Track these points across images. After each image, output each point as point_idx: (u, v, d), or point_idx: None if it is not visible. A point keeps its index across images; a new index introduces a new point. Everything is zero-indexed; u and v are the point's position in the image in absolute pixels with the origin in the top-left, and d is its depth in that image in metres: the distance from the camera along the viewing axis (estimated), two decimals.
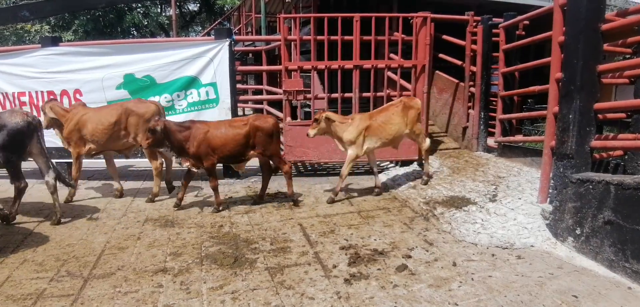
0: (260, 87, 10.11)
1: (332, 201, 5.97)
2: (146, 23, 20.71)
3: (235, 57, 7.18)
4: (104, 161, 6.70)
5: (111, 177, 6.75)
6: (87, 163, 7.68)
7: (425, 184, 6.38)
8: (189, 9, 26.81)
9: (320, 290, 3.73)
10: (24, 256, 4.58)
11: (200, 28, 28.70)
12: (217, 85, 6.81)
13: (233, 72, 6.85)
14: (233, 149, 5.68)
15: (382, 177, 7.07)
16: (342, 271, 4.06)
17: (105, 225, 5.43)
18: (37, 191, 6.63)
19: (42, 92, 7.23)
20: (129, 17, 18.97)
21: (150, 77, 6.85)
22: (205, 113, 6.87)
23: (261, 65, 10.06)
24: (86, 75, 6.98)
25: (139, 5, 21.23)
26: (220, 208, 5.81)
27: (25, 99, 7.30)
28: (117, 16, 19.18)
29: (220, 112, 6.85)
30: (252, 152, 5.78)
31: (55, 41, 7.24)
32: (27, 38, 19.70)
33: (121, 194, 6.50)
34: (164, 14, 23.79)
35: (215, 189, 5.76)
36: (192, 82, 6.83)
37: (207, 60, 6.74)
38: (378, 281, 3.86)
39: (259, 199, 6.08)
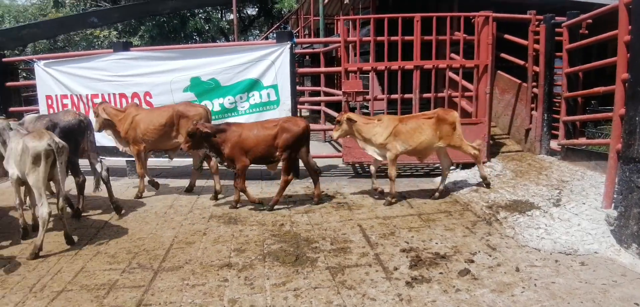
0: (317, 88, 10.21)
1: (389, 204, 5.94)
2: (208, 28, 21.43)
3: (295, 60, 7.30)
4: (170, 160, 7.02)
5: (178, 176, 7.07)
6: (155, 162, 8.10)
7: (488, 186, 6.22)
8: (247, 13, 27.48)
9: (382, 292, 3.74)
10: (97, 249, 4.89)
11: (258, 32, 29.37)
12: (278, 87, 6.95)
13: (293, 74, 6.98)
14: (264, 151, 5.80)
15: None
16: (404, 273, 4.05)
17: (173, 220, 5.68)
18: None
19: (114, 94, 7.66)
20: (191, 23, 19.70)
21: (215, 80, 7.10)
22: (266, 114, 7.03)
23: (319, 67, 10.15)
24: (155, 78, 7.33)
25: (201, 10, 22.01)
26: (238, 206, 6.02)
27: (98, 100, 7.74)
28: (181, 22, 19.97)
29: (281, 113, 6.99)
30: (279, 153, 5.86)
31: (126, 46, 7.66)
32: (97, 43, 20.85)
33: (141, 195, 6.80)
34: (224, 19, 24.50)
35: (243, 191, 5.92)
36: (254, 85, 7.02)
37: (268, 63, 6.90)
38: (440, 284, 3.82)
39: (318, 199, 6.14)
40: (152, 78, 7.36)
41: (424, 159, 6.30)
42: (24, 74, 13.63)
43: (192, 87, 7.21)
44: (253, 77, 7.00)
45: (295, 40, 7.11)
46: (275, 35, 7.24)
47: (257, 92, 7.04)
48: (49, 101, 8.05)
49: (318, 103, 9.82)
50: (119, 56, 7.50)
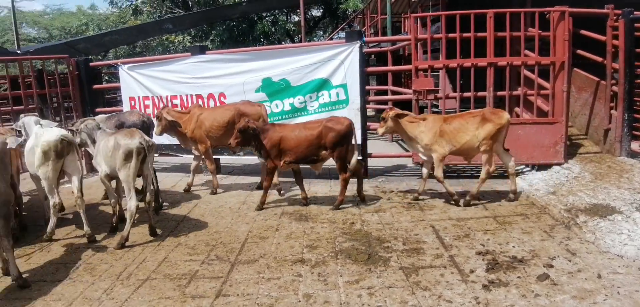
0: (384, 87, 10.16)
1: (467, 205, 5.85)
2: (274, 30, 21.92)
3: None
4: (244, 156, 7.28)
5: (249, 173, 7.30)
6: (228, 159, 8.41)
7: (511, 201, 5.93)
8: (312, 14, 27.81)
9: (458, 294, 3.69)
10: (178, 240, 5.16)
11: (322, 33, 29.62)
12: (347, 87, 7.00)
13: (363, 74, 7.00)
14: (307, 151, 5.87)
15: (518, 182, 6.72)
16: (480, 276, 3.97)
17: (247, 216, 5.89)
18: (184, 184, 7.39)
19: (191, 95, 8.03)
20: (259, 26, 20.26)
21: (285, 80, 7.27)
22: (335, 114, 7.08)
23: (386, 65, 10.10)
24: (229, 79, 7.62)
25: (268, 14, 22.56)
26: (263, 206, 6.11)
27: (177, 102, 8.17)
28: (249, 25, 20.58)
29: (350, 112, 7.03)
30: (324, 152, 5.90)
31: (203, 50, 8.02)
32: (172, 47, 21.92)
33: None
34: (289, 21, 24.94)
35: (266, 189, 6.09)
36: (323, 84, 7.11)
37: (338, 63, 6.97)
38: (518, 289, 3.71)
39: (360, 199, 6.18)
40: (227, 79, 7.65)
41: (470, 160, 6.16)
42: (106, 78, 14.63)
43: (263, 88, 7.43)
44: (322, 77, 7.09)
45: (365, 39, 7.12)
46: (343, 35, 7.31)
47: (326, 91, 7.13)
48: (132, 102, 8.58)
49: (385, 102, 9.75)
50: (196, 59, 7.86)
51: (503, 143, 5.89)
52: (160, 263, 4.55)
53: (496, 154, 5.93)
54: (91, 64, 9.36)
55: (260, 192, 6.51)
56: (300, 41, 27.23)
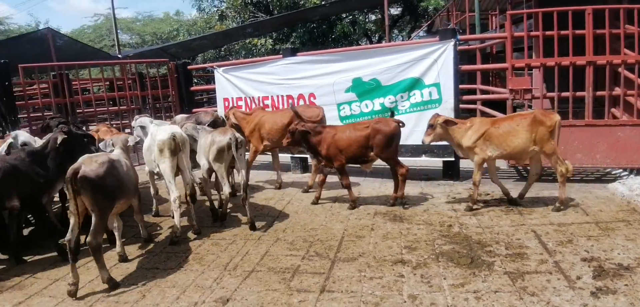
0: (473, 86, 9.83)
1: (557, 210, 5.56)
2: (353, 30, 21.97)
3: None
4: None
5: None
6: None
7: (557, 211, 5.52)
8: (390, 13, 27.55)
9: (567, 301, 3.53)
10: (276, 235, 5.31)
11: (397, 32, 29.24)
12: (440, 86, 6.86)
13: (457, 72, 6.83)
14: (357, 151, 5.95)
15: (618, 186, 6.29)
16: (587, 283, 3.77)
17: (340, 214, 5.94)
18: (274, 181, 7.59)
19: (282, 96, 8.25)
20: (339, 27, 20.40)
21: (376, 80, 7.26)
22: (428, 113, 6.96)
23: (473, 64, 9.74)
24: (319, 80, 7.74)
25: (347, 14, 22.62)
26: (355, 205, 6.16)
27: (268, 102, 8.42)
28: (329, 26, 20.79)
29: (443, 112, 6.87)
30: (372, 153, 5.94)
31: (294, 52, 8.22)
32: (254, 50, 22.59)
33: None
34: (368, 20, 24.83)
35: (348, 187, 6.17)
36: (415, 84, 7.02)
37: (431, 62, 6.85)
38: (626, 297, 3.52)
39: (401, 200, 6.07)
40: (317, 80, 7.78)
41: (521, 163, 5.94)
42: (195, 80, 15.40)
43: (353, 88, 7.47)
44: (414, 76, 7.00)
45: (459, 37, 6.93)
46: (423, 33, 7.17)
47: (418, 91, 7.02)
48: (226, 103, 8.96)
49: (474, 102, 9.42)
50: (288, 61, 8.07)
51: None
52: (262, 256, 4.71)
53: (530, 156, 5.72)
54: (189, 67, 9.89)
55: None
56: (379, 41, 27.20)
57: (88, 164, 4.15)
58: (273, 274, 4.28)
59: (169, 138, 5.30)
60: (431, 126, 5.80)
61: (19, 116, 7.97)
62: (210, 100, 16.50)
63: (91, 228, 4.11)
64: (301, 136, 6.07)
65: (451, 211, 5.82)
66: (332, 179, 7.79)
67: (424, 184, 7.09)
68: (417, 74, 6.99)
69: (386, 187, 7.10)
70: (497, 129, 5.61)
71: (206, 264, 4.61)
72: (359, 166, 6.36)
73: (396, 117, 6.27)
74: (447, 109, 6.88)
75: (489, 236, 4.90)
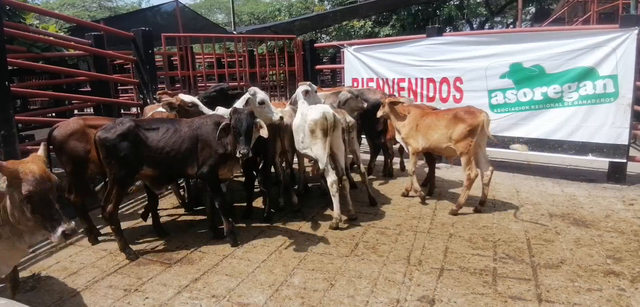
0: None
1: (454, 214, 5.34)
2: (463, 14, 20.90)
3: None
4: None
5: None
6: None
7: (454, 214, 5.33)
8: None
9: None
10: (447, 230, 4.92)
11: (499, 18, 27.60)
12: (617, 78, 6.08)
13: (638, 65, 6.02)
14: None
15: None
16: None
17: (508, 212, 5.42)
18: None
19: (421, 79, 7.79)
20: (445, 10, 19.48)
21: (539, 66, 6.59)
22: (600, 108, 6.25)
23: None
24: (468, 64, 7.17)
25: None
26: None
27: (405, 85, 7.99)
28: (434, 10, 19.94)
29: (618, 108, 6.13)
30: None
31: (440, 31, 7.69)
32: (353, 32, 22.20)
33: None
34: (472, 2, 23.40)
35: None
36: (587, 74, 6.27)
37: (608, 50, 6.07)
38: None
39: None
40: (465, 63, 7.21)
41: (448, 156, 5.74)
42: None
43: (510, 74, 6.82)
44: (587, 65, 6.24)
45: None
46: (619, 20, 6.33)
47: (590, 82, 6.27)
48: (355, 84, 8.63)
49: None
50: (432, 41, 7.56)
51: (483, 147, 5.34)
52: (445, 253, 4.33)
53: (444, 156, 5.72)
54: (316, 44, 9.67)
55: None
56: (481, 27, 25.80)
57: None
58: (470, 276, 3.89)
59: (321, 118, 5.01)
60: (381, 104, 5.88)
61: (159, 86, 8.07)
62: (334, 78, 16.45)
63: None
64: None
65: (636, 218, 5.12)
66: None
67: (588, 186, 6.37)
68: (591, 64, 6.23)
69: (544, 185, 6.49)
70: (424, 121, 5.57)
71: (384, 255, 4.32)
72: None
73: None
74: (623, 105, 6.11)
75: None
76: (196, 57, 10.64)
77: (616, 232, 4.76)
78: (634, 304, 3.37)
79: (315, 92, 5.42)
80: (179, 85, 9.60)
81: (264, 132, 4.48)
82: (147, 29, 7.82)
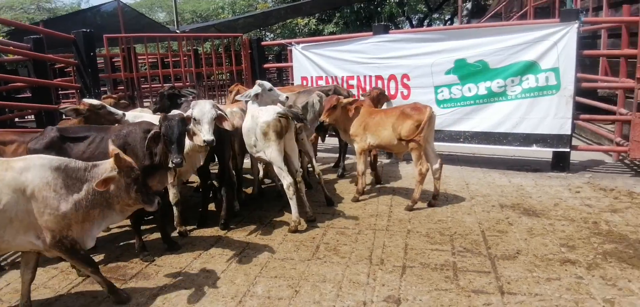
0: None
1: (410, 209, 5.41)
2: (403, 12, 21.21)
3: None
4: None
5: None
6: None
7: (410, 210, 5.38)
8: None
9: None
10: (404, 226, 4.95)
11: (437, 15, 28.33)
12: (559, 71, 6.35)
13: (578, 57, 6.32)
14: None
15: None
16: None
17: (462, 205, 5.53)
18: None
19: (369, 76, 7.83)
20: (387, 8, 19.74)
21: (483, 62, 6.77)
22: (543, 100, 6.51)
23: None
24: (415, 61, 7.28)
25: None
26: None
27: (354, 82, 8.01)
28: (375, 7, 20.15)
29: (560, 99, 6.41)
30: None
31: (386, 29, 7.75)
32: (297, 30, 22.08)
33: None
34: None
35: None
36: (530, 67, 6.51)
37: (550, 44, 6.32)
38: None
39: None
40: (412, 60, 7.31)
41: (399, 154, 5.92)
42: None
43: (455, 70, 6.98)
44: (529, 59, 6.47)
45: (583, 19, 6.41)
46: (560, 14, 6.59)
47: (532, 75, 6.51)
48: (304, 82, 8.55)
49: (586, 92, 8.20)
50: (379, 39, 7.61)
51: (431, 141, 5.47)
52: (405, 250, 4.34)
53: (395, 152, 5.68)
54: (263, 43, 9.51)
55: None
56: (420, 24, 26.46)
57: None
58: (431, 271, 3.91)
59: (274, 120, 4.89)
60: (334, 107, 5.53)
61: (101, 89, 7.66)
62: (281, 77, 16.21)
63: None
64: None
65: (584, 206, 5.38)
66: None
67: (534, 176, 6.64)
68: (533, 57, 6.47)
69: (491, 177, 6.70)
70: (373, 119, 5.59)
71: (345, 256, 4.27)
72: None
73: None
74: (565, 97, 6.40)
75: None
76: (139, 58, 10.21)
77: (567, 220, 4.96)
78: (593, 292, 3.49)
79: (270, 91, 5.26)
80: (122, 87, 9.19)
81: (227, 125, 4.42)
82: (88, 30, 7.43)
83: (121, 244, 4.85)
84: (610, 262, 3.95)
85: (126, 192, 3.35)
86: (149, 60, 11.10)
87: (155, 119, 4.61)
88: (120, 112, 5.04)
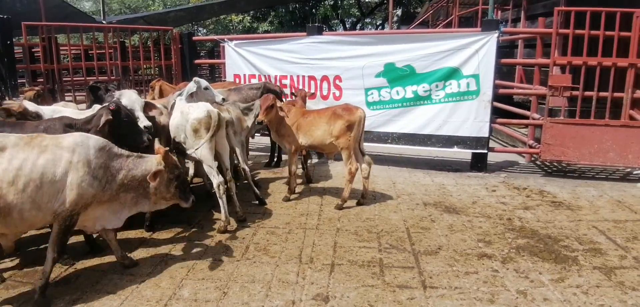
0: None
1: (340, 208, 5.53)
2: (334, 14, 21.56)
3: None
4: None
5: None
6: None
7: (340, 209, 5.53)
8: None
9: None
10: (335, 225, 5.04)
11: (369, 20, 29.11)
12: (479, 78, 6.74)
13: (497, 65, 6.74)
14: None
15: None
16: None
17: (388, 204, 5.72)
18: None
19: (303, 76, 7.89)
20: (322, 9, 20.01)
21: (410, 66, 7.05)
22: (464, 105, 6.87)
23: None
24: (347, 63, 7.43)
25: None
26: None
27: (287, 82, 8.04)
28: (310, 8, 20.38)
29: (479, 104, 6.80)
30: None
31: (320, 30, 7.84)
32: (231, 27, 21.79)
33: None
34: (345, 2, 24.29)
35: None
36: (453, 73, 6.86)
37: (472, 52, 6.70)
38: None
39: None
40: (344, 62, 7.46)
41: (330, 154, 6.01)
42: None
43: (385, 73, 7.21)
44: (452, 66, 6.83)
45: (502, 29, 6.84)
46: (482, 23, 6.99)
47: (455, 81, 6.87)
48: (237, 80, 8.47)
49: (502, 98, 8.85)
50: (312, 40, 7.69)
51: (360, 142, 5.61)
52: (334, 248, 4.43)
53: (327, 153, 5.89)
54: (194, 38, 9.29)
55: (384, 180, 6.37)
56: (353, 27, 26.98)
57: None
58: (359, 268, 4.02)
59: (205, 117, 4.82)
60: (271, 106, 5.49)
61: (19, 81, 7.15)
62: (213, 74, 15.85)
63: None
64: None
65: (499, 203, 5.75)
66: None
67: (455, 175, 6.99)
68: (456, 64, 6.83)
69: (416, 176, 6.97)
70: (306, 119, 5.68)
71: (275, 255, 4.29)
72: None
73: None
74: (484, 102, 6.80)
75: (555, 231, 4.86)
76: (61, 48, 9.62)
77: (483, 217, 5.28)
78: (507, 284, 3.74)
79: (206, 89, 5.18)
80: (41, 79, 8.63)
81: (156, 113, 4.64)
82: (5, 16, 6.93)
83: (34, 248, 4.56)
84: (523, 256, 4.26)
85: (166, 187, 3.70)
86: (72, 51, 10.55)
87: (77, 113, 4.39)
88: (38, 108, 4.72)
